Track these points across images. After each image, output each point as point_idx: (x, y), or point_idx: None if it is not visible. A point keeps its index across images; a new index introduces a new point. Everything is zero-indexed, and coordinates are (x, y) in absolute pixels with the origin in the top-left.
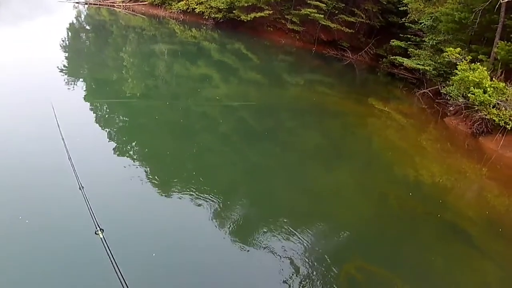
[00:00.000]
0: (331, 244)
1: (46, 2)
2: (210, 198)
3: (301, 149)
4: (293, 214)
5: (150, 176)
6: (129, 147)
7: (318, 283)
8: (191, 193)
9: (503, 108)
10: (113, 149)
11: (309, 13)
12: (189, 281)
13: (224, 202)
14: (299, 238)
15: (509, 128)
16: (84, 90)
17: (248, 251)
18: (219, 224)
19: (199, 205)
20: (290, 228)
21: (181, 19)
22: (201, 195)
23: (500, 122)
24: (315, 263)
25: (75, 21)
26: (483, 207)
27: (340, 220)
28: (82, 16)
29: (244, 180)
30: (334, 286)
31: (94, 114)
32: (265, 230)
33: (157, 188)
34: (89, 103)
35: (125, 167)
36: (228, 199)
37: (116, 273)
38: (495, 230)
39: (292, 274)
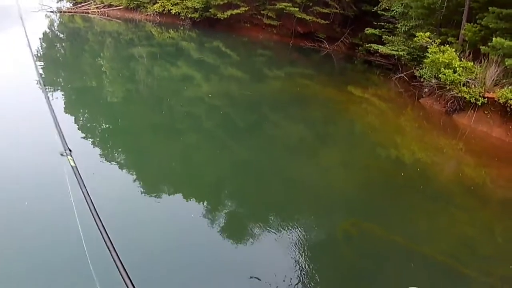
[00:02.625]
0: (327, 209)
1: (15, 12)
2: (198, 195)
3: (286, 140)
4: (287, 197)
5: (137, 178)
6: (113, 152)
7: (320, 238)
8: (178, 191)
9: (473, 86)
10: (99, 154)
11: (284, 7)
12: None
13: (213, 197)
14: (296, 212)
15: (480, 104)
16: (63, 99)
17: (245, 235)
18: (211, 217)
19: (186, 202)
20: (285, 207)
21: (157, 21)
22: (189, 192)
23: (471, 99)
24: (315, 226)
25: (48, 30)
26: (458, 172)
27: (332, 192)
28: (55, 25)
29: (232, 174)
30: (334, 239)
31: (76, 125)
32: (260, 215)
33: (144, 189)
34: (69, 114)
35: (109, 172)
36: (217, 194)
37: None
38: (468, 189)
39: (295, 243)
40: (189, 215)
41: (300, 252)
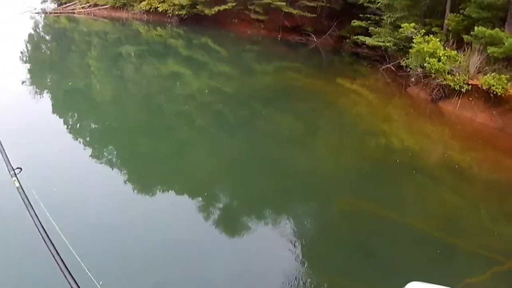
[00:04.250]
0: (322, 190)
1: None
2: (192, 192)
3: (278, 132)
4: (283, 182)
5: (129, 177)
6: (104, 151)
7: (318, 215)
8: (173, 188)
9: (457, 74)
10: (89, 155)
11: (271, 1)
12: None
13: (208, 193)
14: (295, 195)
15: (464, 91)
16: (51, 100)
17: (244, 227)
18: (206, 212)
19: (181, 199)
20: (284, 191)
21: (144, 19)
22: (183, 189)
23: (456, 87)
24: (313, 204)
25: (33, 31)
26: (444, 155)
27: (325, 176)
28: (41, 26)
29: (228, 166)
30: (331, 215)
31: (65, 125)
32: (260, 200)
33: (137, 187)
34: (57, 114)
35: (101, 170)
36: (212, 189)
37: None
38: (453, 169)
39: (295, 222)
40: (190, 208)
41: (301, 227)
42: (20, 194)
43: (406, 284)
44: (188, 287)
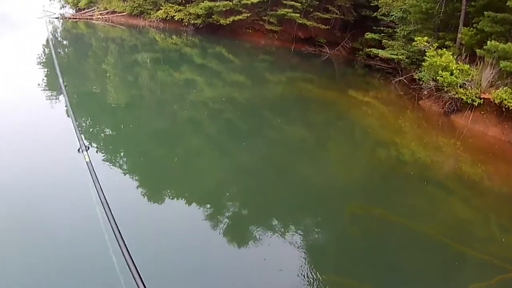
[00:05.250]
0: (334, 197)
1: (15, 19)
2: (202, 199)
3: (290, 141)
4: (297, 189)
5: (140, 183)
6: (116, 157)
7: (330, 219)
8: (182, 196)
9: (469, 87)
10: (101, 160)
11: (285, 13)
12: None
13: (218, 201)
14: (308, 201)
15: (476, 105)
16: (65, 106)
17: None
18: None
19: (190, 207)
20: (297, 197)
21: (161, 27)
22: (192, 197)
23: (468, 100)
24: (325, 209)
25: (51, 36)
26: (455, 167)
27: (337, 184)
28: (59, 31)
29: (236, 179)
30: (342, 219)
31: (79, 129)
32: (275, 206)
33: (147, 193)
34: (70, 119)
35: (112, 176)
36: (221, 198)
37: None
38: (464, 181)
39: (309, 226)
40: (203, 214)
41: (313, 231)
42: (89, 167)
43: None
44: None
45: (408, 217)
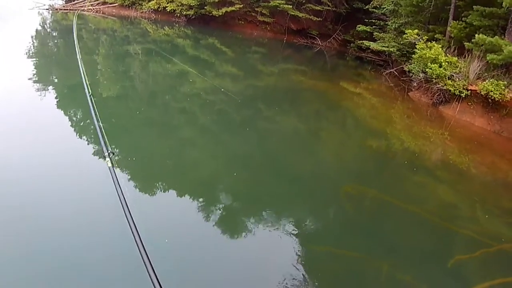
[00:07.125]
0: (329, 178)
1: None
2: (196, 191)
3: (283, 132)
4: (292, 175)
5: (134, 176)
6: (108, 149)
7: (326, 198)
8: (177, 188)
9: (457, 79)
10: (92, 153)
11: (278, 4)
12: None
13: (212, 193)
14: (304, 183)
15: (464, 96)
16: (55, 98)
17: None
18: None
19: (185, 199)
20: (294, 181)
21: (152, 18)
22: (186, 188)
23: (456, 92)
24: (321, 189)
25: (40, 27)
26: (443, 154)
27: (330, 168)
28: (48, 22)
29: (230, 170)
30: (337, 198)
31: (70, 122)
32: (263, 196)
33: (141, 186)
34: (62, 111)
35: (104, 171)
36: (215, 188)
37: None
38: (451, 167)
39: (306, 206)
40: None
41: (310, 209)
42: (111, 172)
43: None
44: None
45: (400, 198)
